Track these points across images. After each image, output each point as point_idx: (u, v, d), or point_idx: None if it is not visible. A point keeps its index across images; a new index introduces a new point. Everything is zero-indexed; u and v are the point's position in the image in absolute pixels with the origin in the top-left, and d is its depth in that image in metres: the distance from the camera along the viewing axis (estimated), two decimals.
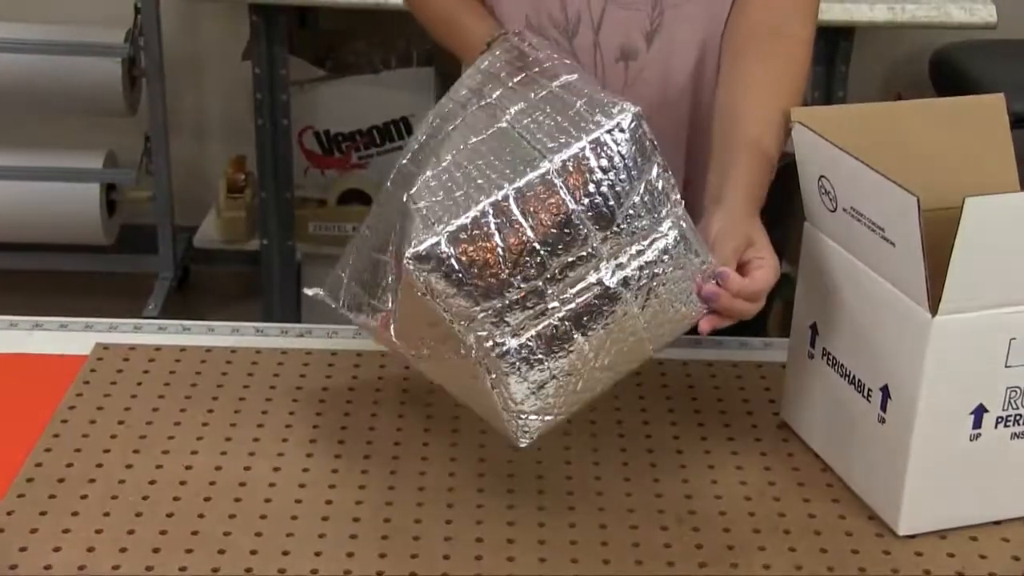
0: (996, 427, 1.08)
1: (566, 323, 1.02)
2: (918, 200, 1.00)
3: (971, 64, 2.80)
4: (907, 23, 2.46)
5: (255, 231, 2.88)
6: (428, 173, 1.05)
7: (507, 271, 1.00)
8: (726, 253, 1.09)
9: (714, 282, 1.06)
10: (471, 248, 0.99)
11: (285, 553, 1.05)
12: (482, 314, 1.00)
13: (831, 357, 1.16)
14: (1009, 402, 1.07)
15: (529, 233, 1.00)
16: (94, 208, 2.91)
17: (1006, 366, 1.06)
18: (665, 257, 1.03)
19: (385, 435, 1.21)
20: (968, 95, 1.24)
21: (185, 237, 3.07)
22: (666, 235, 1.03)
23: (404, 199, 1.05)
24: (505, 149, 1.03)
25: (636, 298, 1.02)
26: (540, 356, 1.02)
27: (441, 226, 1.00)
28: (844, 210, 1.11)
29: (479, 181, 1.02)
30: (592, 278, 1.01)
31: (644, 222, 1.02)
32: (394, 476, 1.15)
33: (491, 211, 0.99)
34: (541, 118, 1.04)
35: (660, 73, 1.33)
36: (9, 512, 1.08)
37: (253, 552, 1.05)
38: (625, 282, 1.02)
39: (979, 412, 1.07)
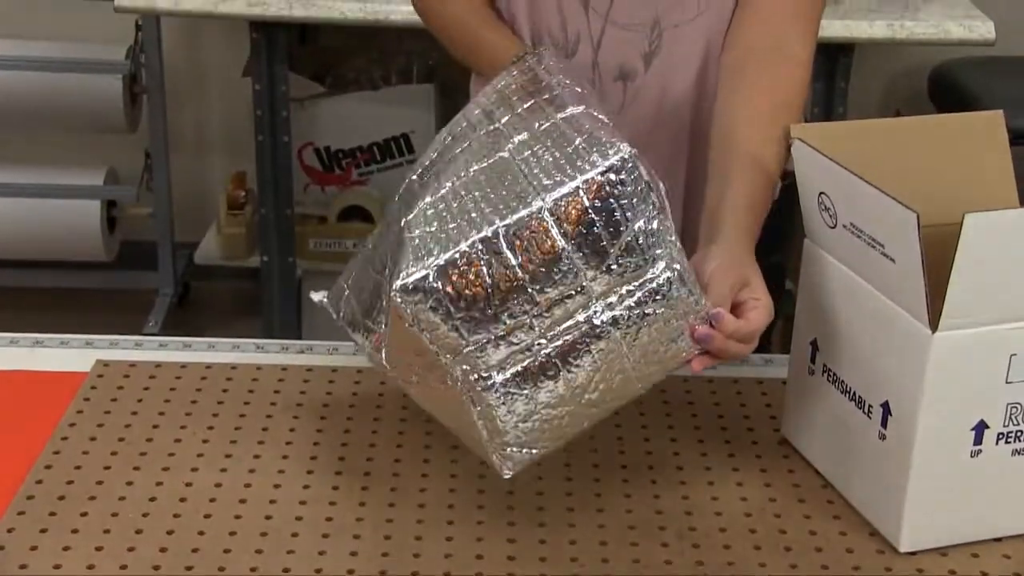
0: (997, 443, 1.08)
1: (553, 359, 1.02)
2: (918, 216, 1.00)
3: (970, 80, 2.81)
4: (906, 40, 2.47)
5: (255, 248, 2.88)
6: (427, 199, 1.06)
7: (495, 307, 1.00)
8: (722, 293, 1.08)
9: (708, 324, 1.06)
10: (460, 282, 1.00)
11: (286, 570, 1.05)
12: (468, 348, 1.01)
13: (831, 373, 1.16)
14: (1010, 418, 1.07)
15: (518, 271, 1.00)
16: (95, 225, 2.92)
17: (1007, 382, 1.06)
18: (657, 297, 1.02)
19: (385, 451, 1.21)
20: (967, 111, 1.24)
21: (185, 254, 3.08)
22: (659, 276, 1.02)
23: (402, 224, 1.05)
24: (503, 181, 1.04)
25: (625, 337, 1.02)
26: (526, 391, 1.02)
27: (431, 259, 1.00)
28: (844, 226, 1.11)
29: (472, 214, 1.02)
30: (581, 316, 1.01)
31: (637, 262, 1.01)
32: (394, 493, 1.15)
33: (481, 247, 1.00)
34: (541, 152, 1.04)
35: (658, 93, 1.33)
36: (9, 529, 1.08)
37: (253, 569, 1.05)
38: (614, 321, 1.02)
39: (980, 428, 1.07)
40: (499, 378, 1.02)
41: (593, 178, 1.00)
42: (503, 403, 1.02)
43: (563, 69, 1.17)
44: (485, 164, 1.06)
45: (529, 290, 1.00)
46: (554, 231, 1.00)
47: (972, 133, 1.20)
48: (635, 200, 1.00)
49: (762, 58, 1.27)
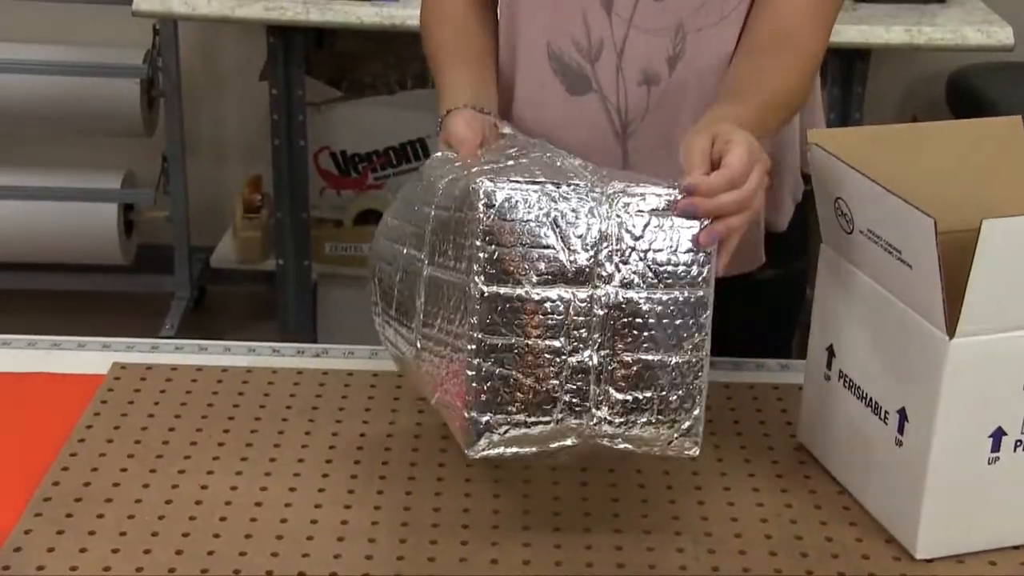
0: (1015, 450, 1.07)
1: (624, 358, 1.02)
2: (935, 222, 0.99)
3: (988, 86, 2.80)
4: (924, 45, 2.46)
5: (271, 251, 2.89)
6: (415, 361, 1.10)
7: (538, 382, 1.01)
8: (692, 161, 1.05)
9: (686, 198, 1.02)
10: (501, 398, 1.01)
11: (301, 573, 1.05)
12: (560, 422, 1.02)
13: (848, 379, 1.16)
14: None
15: (523, 343, 1.00)
16: (112, 228, 2.93)
17: None
18: (633, 229, 1.01)
19: (401, 456, 1.21)
20: (985, 117, 1.24)
21: (201, 257, 3.08)
22: (620, 219, 1.01)
23: (431, 402, 1.09)
24: (441, 298, 1.06)
25: (649, 286, 1.01)
26: (636, 396, 1.02)
27: (465, 407, 1.01)
28: (861, 232, 1.10)
29: (448, 344, 1.04)
30: (601, 313, 1.01)
31: (592, 235, 1.01)
32: (410, 497, 1.15)
33: (479, 359, 1.01)
34: (442, 249, 1.06)
35: (683, 96, 1.33)
36: (27, 531, 1.09)
37: (268, 572, 1.05)
38: (627, 284, 1.01)
39: (997, 435, 1.06)
40: (603, 413, 1.02)
41: (485, 228, 1.00)
42: (630, 422, 1.03)
43: (431, 164, 1.19)
44: (423, 293, 1.09)
45: (549, 345, 1.00)
46: (508, 289, 1.00)
47: (990, 139, 1.20)
48: (530, 203, 1.01)
49: (773, 46, 1.26)
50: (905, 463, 1.09)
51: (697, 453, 1.05)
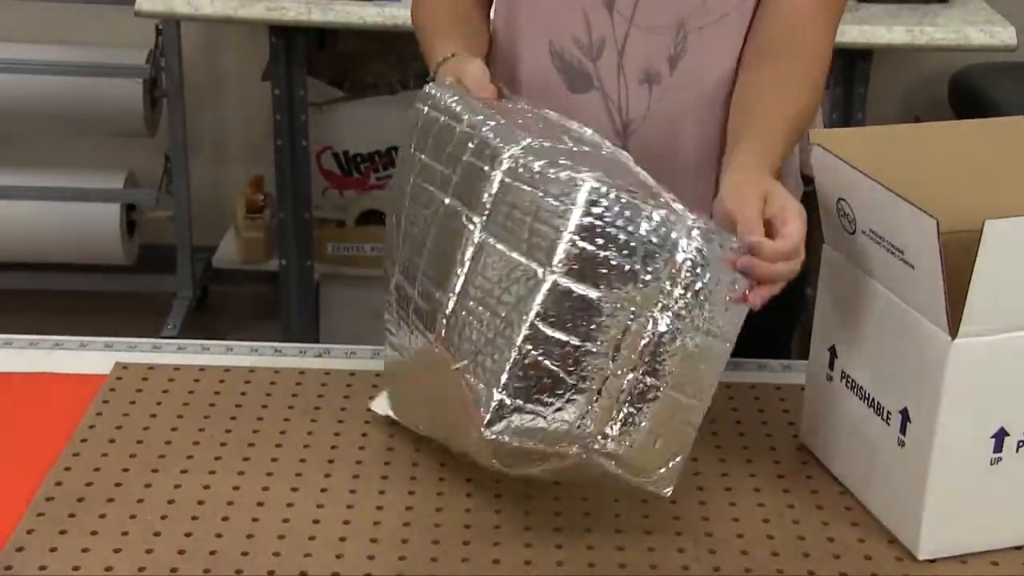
0: (1017, 451, 1.07)
1: (654, 386, 1.02)
2: (937, 223, 0.99)
3: (991, 86, 2.80)
4: (926, 45, 2.46)
5: (273, 251, 2.89)
6: (447, 323, 1.06)
7: (577, 385, 1.00)
8: (750, 216, 1.06)
9: (747, 255, 1.03)
10: (537, 387, 1.00)
11: (303, 573, 1.05)
12: (576, 425, 1.01)
13: (850, 380, 1.16)
14: None
15: (577, 344, 1.00)
16: (114, 228, 2.93)
17: None
18: (698, 270, 1.01)
19: (403, 455, 1.21)
20: (988, 117, 1.24)
21: (204, 257, 3.09)
22: (688, 251, 1.01)
23: (452, 367, 1.05)
24: (502, 271, 1.03)
25: (693, 321, 1.02)
26: (647, 424, 1.02)
27: (499, 387, 1.00)
28: (863, 232, 1.10)
29: (498, 319, 1.02)
30: (647, 335, 1.01)
31: (663, 258, 1.00)
32: (412, 497, 1.15)
33: (531, 346, 1.00)
34: (509, 226, 1.03)
35: (685, 95, 1.33)
36: (29, 531, 1.09)
37: (270, 572, 1.05)
38: (677, 316, 1.01)
39: (1000, 436, 1.06)
40: (614, 432, 1.02)
41: (579, 224, 0.99)
42: (634, 446, 1.03)
43: (457, 100, 1.16)
44: (470, 258, 1.05)
45: (598, 351, 1.00)
46: (580, 289, 0.99)
47: (992, 139, 1.20)
48: (627, 213, 1.00)
49: (782, 48, 1.27)
50: (907, 464, 1.09)
51: (669, 494, 1.06)
